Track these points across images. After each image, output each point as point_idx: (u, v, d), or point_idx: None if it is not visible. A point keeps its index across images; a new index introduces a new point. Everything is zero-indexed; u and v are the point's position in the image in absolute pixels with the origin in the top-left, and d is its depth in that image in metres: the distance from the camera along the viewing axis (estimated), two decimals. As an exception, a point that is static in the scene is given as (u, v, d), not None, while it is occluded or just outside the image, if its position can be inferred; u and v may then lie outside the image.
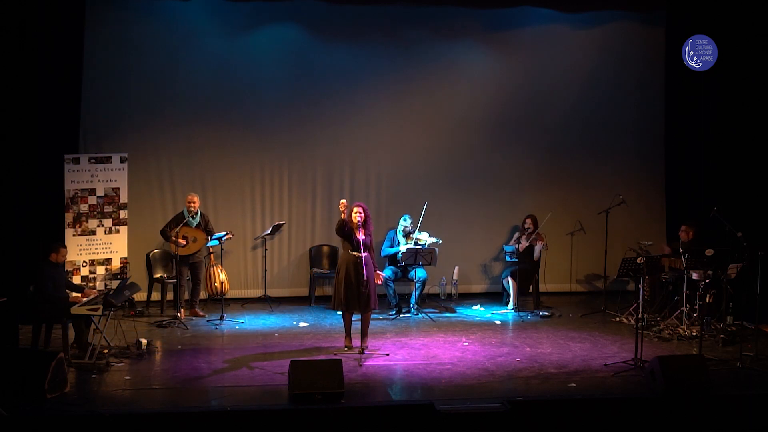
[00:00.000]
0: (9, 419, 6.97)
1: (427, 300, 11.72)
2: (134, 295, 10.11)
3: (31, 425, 7.08)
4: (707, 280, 9.69)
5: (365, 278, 8.90)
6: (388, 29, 11.86)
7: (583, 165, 12.40)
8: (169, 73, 11.40)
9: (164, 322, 10.31)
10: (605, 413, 7.63)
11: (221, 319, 10.50)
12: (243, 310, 11.25)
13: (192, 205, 10.69)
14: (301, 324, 10.54)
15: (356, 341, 9.22)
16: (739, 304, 10.08)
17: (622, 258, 9.24)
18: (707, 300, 9.85)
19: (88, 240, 10.67)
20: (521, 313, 11.07)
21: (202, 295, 11.15)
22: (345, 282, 9.02)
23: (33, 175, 10.32)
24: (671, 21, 12.14)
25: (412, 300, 11.10)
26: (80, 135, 11.01)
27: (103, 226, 10.77)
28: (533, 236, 11.28)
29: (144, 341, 9.15)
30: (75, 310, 8.78)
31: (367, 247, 8.99)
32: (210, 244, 10.89)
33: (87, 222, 10.67)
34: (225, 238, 10.86)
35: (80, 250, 10.62)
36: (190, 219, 10.65)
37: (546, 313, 11.05)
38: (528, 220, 11.43)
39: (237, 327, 10.35)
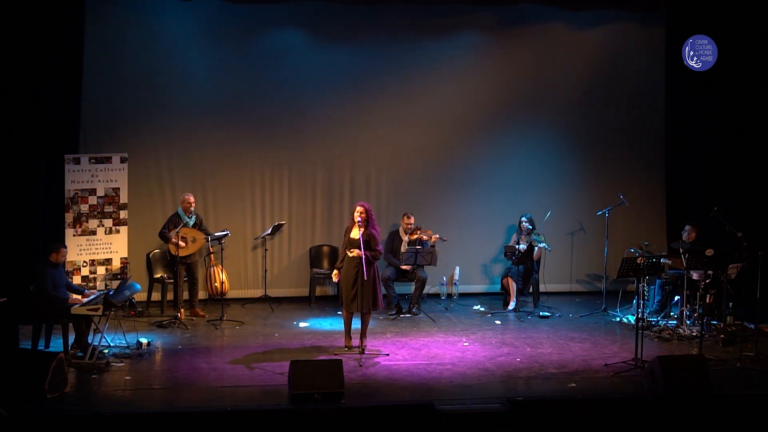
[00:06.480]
0: (9, 419, 6.97)
1: (427, 300, 11.72)
2: (134, 295, 10.09)
3: (31, 425, 7.08)
4: (707, 280, 9.69)
5: (365, 278, 8.90)
6: (388, 29, 11.84)
7: (584, 165, 12.40)
8: (170, 74, 11.39)
9: (164, 322, 10.31)
10: (605, 413, 7.63)
11: (221, 319, 10.50)
12: (243, 310, 11.25)
13: (189, 204, 10.69)
14: (301, 324, 10.54)
15: (356, 341, 9.22)
16: (739, 304, 10.08)
17: (622, 258, 9.24)
18: (707, 300, 9.85)
19: (88, 240, 10.67)
20: (521, 313, 11.07)
21: (202, 295, 11.15)
22: (343, 281, 9.03)
23: (33, 175, 10.32)
24: (671, 21, 12.13)
25: (413, 300, 11.11)
26: (80, 135, 11.00)
27: (103, 226, 10.76)
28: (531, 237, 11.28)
29: (144, 341, 9.15)
30: (75, 310, 8.80)
31: (367, 246, 8.98)
32: (211, 243, 10.88)
33: (87, 222, 10.66)
34: (224, 235, 10.85)
35: (80, 250, 10.62)
36: (188, 219, 10.65)
37: (546, 313, 11.06)
38: (525, 221, 11.39)
39: (237, 327, 10.36)
